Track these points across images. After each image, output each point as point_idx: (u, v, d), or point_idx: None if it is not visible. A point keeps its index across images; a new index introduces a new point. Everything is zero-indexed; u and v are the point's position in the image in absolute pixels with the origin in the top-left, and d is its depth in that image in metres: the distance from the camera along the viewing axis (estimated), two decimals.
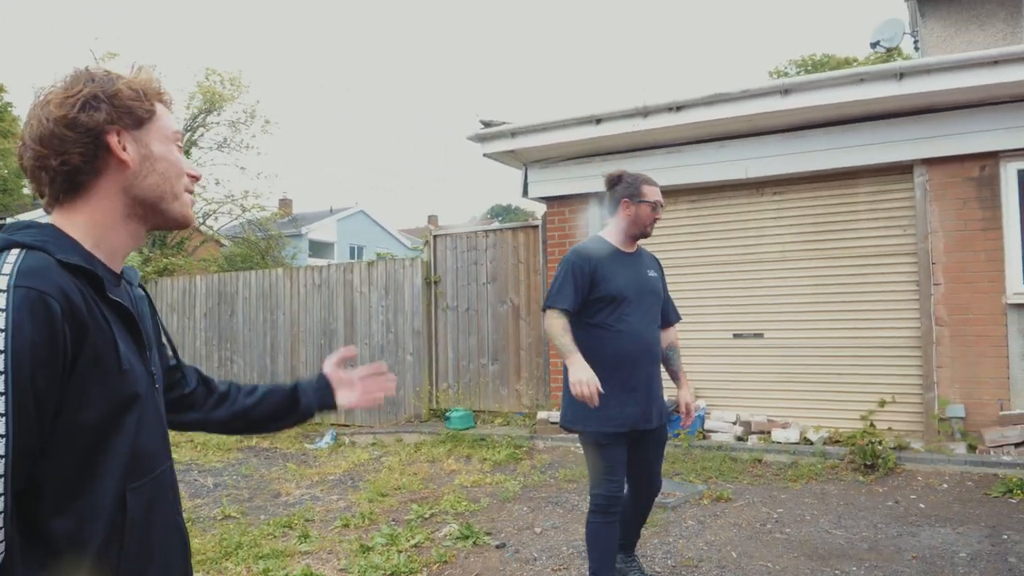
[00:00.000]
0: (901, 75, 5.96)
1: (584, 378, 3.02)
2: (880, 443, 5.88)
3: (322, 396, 1.69)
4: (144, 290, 1.37)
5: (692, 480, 5.69)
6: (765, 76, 27.01)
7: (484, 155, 8.04)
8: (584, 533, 3.52)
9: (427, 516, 5.03)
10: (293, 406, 1.64)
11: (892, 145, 6.40)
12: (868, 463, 5.76)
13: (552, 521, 4.86)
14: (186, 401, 1.52)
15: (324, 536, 4.70)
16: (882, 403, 6.58)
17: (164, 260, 12.31)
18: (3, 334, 0.97)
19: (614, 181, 3.51)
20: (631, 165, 7.54)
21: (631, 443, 3.34)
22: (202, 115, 18.49)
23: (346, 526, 4.89)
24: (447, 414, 8.13)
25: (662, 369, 3.55)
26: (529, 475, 6.09)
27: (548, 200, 8.19)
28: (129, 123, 1.17)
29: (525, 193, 8.26)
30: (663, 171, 7.39)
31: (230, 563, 4.21)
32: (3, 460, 0.96)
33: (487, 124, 7.87)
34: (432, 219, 43.95)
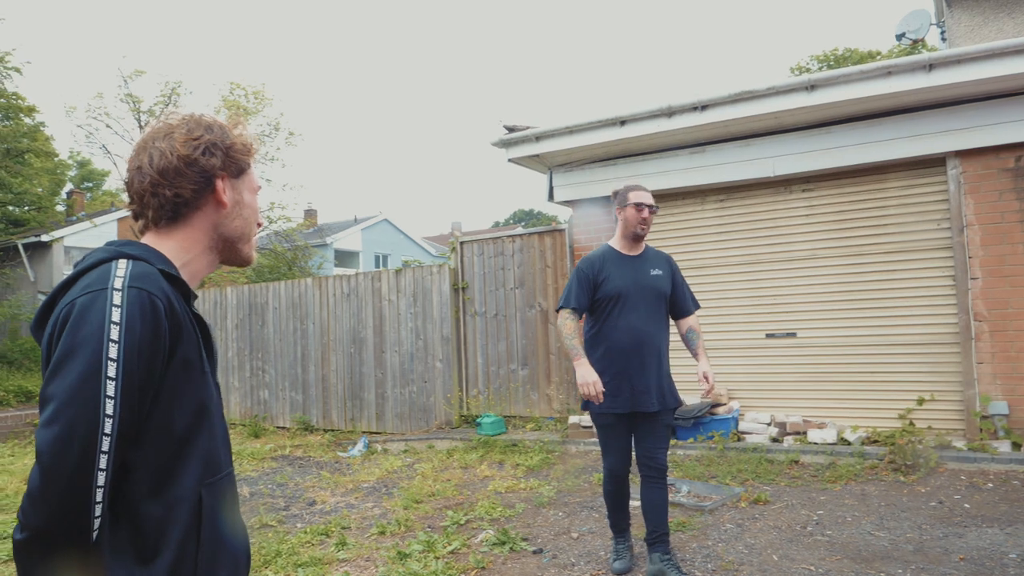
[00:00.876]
0: (930, 66, 5.86)
1: (590, 380, 3.61)
2: (920, 442, 5.77)
3: None
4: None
5: (728, 483, 5.63)
6: (786, 73, 26.75)
7: (509, 160, 8.04)
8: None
9: (463, 522, 5.02)
10: None
11: (923, 138, 6.30)
12: (909, 463, 5.65)
13: (588, 526, 4.83)
14: None
15: (361, 543, 4.71)
16: (921, 401, 6.46)
17: None
18: (119, 327, 1.11)
19: (611, 197, 4.07)
20: (656, 166, 7.54)
21: (635, 424, 3.85)
22: (227, 118, 18.72)
23: (382, 533, 4.90)
24: (478, 420, 8.13)
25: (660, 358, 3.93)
26: (563, 480, 6.06)
27: (574, 203, 8.17)
28: (233, 172, 1.38)
29: (551, 197, 8.24)
30: (689, 171, 7.36)
31: (269, 571, 4.24)
32: (109, 439, 1.08)
33: (511, 129, 7.87)
34: (456, 226, 44.04)
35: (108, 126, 18.24)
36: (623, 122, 7.19)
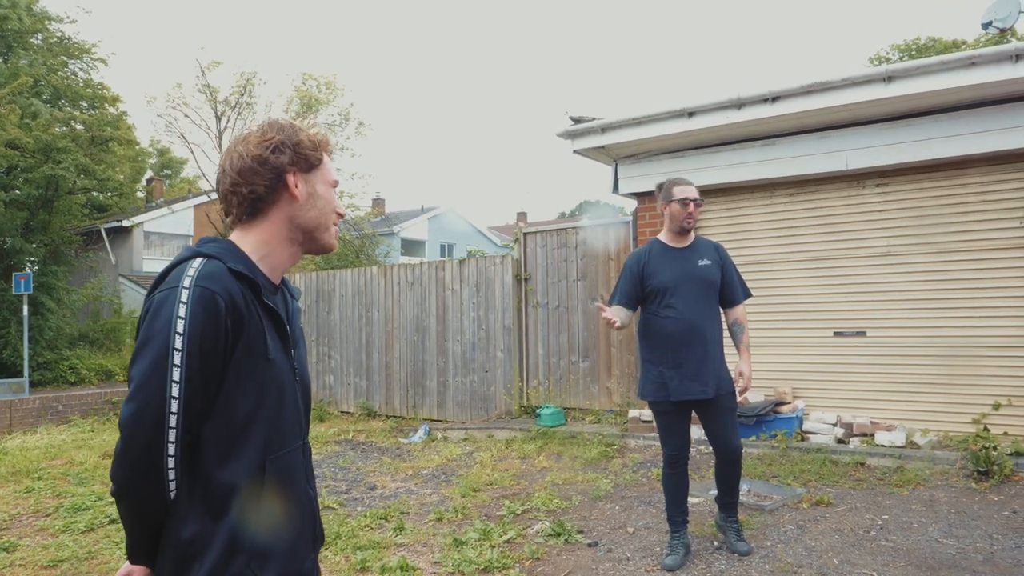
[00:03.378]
0: (1017, 57, 5.58)
1: (608, 317, 3.76)
2: (995, 448, 5.54)
3: None
4: (299, 304, 1.69)
5: (790, 483, 5.53)
6: (864, 63, 25.81)
7: (574, 151, 8.03)
8: None
9: (519, 512, 5.08)
10: None
11: (1007, 132, 6.01)
12: (982, 469, 5.44)
13: (645, 521, 4.82)
14: None
15: (419, 529, 4.82)
16: (997, 406, 6.20)
17: None
18: (184, 321, 1.27)
19: (658, 188, 4.15)
20: (725, 159, 7.41)
21: (699, 412, 3.97)
22: (299, 119, 19.16)
23: (440, 520, 5.00)
24: (537, 411, 8.17)
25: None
26: (621, 474, 6.06)
27: (639, 196, 8.10)
28: (303, 167, 1.49)
29: (615, 189, 8.20)
30: (758, 164, 7.21)
31: (329, 552, 4.38)
32: (176, 416, 1.26)
33: (577, 120, 7.85)
34: (521, 216, 44.13)
35: (186, 115, 18.94)
36: (691, 114, 7.09)
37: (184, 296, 1.29)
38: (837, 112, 6.50)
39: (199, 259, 1.36)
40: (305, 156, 1.49)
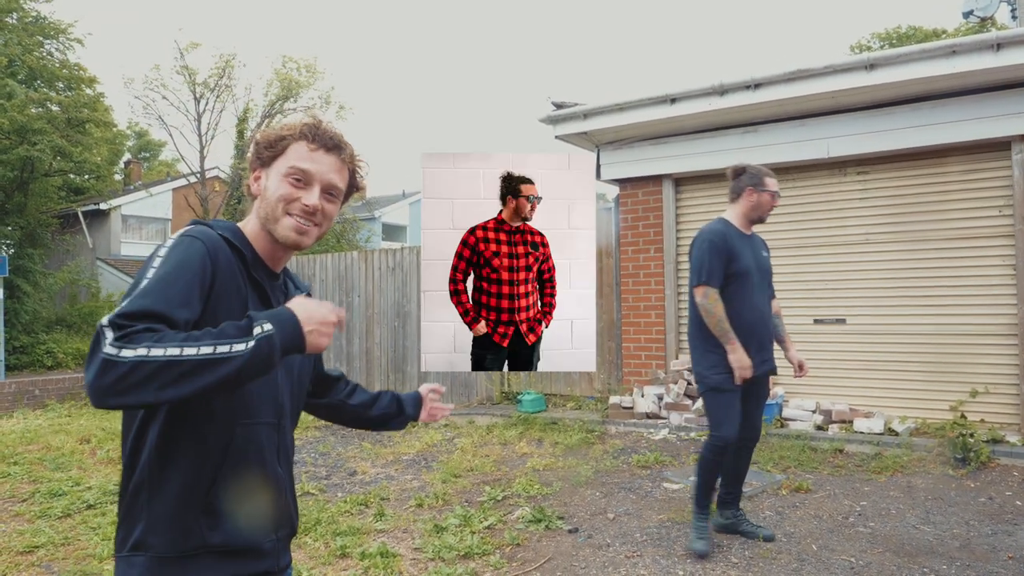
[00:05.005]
0: (998, 46, 5.60)
1: (747, 364, 3.75)
2: (972, 435, 5.60)
3: (417, 410, 2.10)
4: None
5: (769, 469, 5.56)
6: (846, 51, 25.90)
7: (556, 137, 7.98)
8: (697, 459, 4.09)
9: (500, 498, 5.07)
10: (400, 413, 2.03)
11: (987, 121, 6.04)
12: (959, 456, 5.50)
13: (625, 507, 4.83)
14: (327, 384, 1.90)
15: (399, 515, 4.79)
16: (974, 393, 6.27)
17: None
18: (167, 247, 1.34)
19: (738, 172, 4.07)
20: (707, 145, 7.40)
21: (744, 395, 3.95)
22: (279, 102, 18.95)
23: (420, 506, 4.97)
24: (519, 397, 8.17)
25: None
26: (601, 460, 6.06)
27: (621, 182, 8.08)
28: (264, 162, 1.52)
29: (598, 175, 8.16)
30: (740, 151, 7.21)
31: (309, 539, 4.34)
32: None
33: (559, 106, 7.80)
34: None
35: (164, 98, 18.65)
36: (673, 100, 7.06)
37: (169, 242, 1.36)
38: (819, 100, 6.51)
39: (187, 227, 1.43)
40: (260, 153, 1.52)
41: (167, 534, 1.34)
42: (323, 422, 8.36)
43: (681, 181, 7.78)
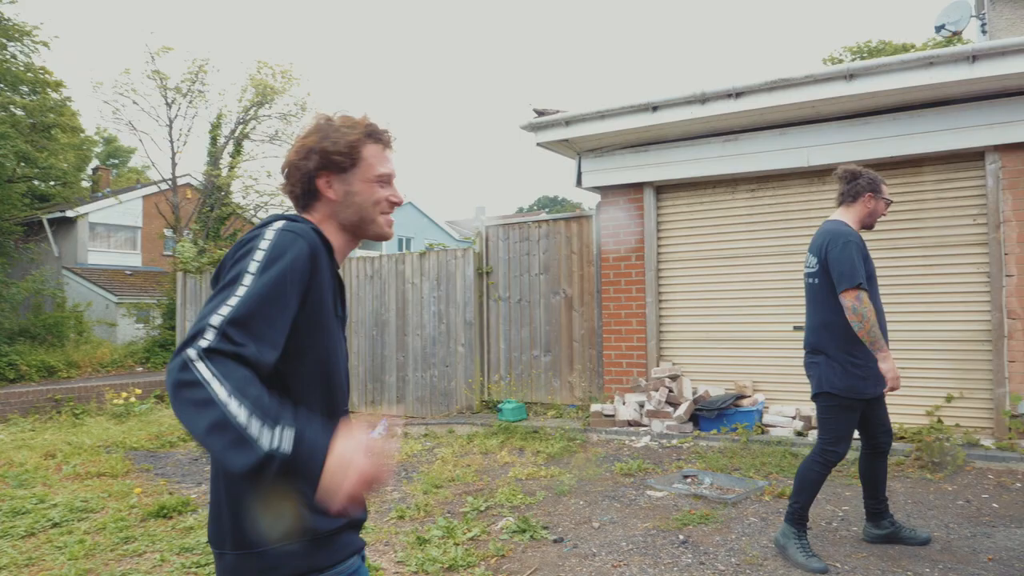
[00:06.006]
0: (974, 58, 5.70)
1: (897, 374, 3.66)
2: (948, 440, 5.68)
3: None
4: None
5: (752, 476, 5.57)
6: (819, 64, 26.33)
7: (537, 144, 7.97)
8: (799, 473, 3.96)
9: (483, 509, 5.01)
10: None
11: (963, 131, 6.15)
12: (936, 460, 5.56)
13: (610, 516, 4.80)
14: None
15: (380, 527, 4.72)
16: (949, 398, 6.35)
17: (219, 252, 12.53)
18: (261, 252, 1.36)
19: (855, 175, 3.95)
20: (688, 153, 7.43)
21: (871, 403, 3.87)
22: (254, 108, 18.76)
23: (401, 517, 4.90)
24: (499, 406, 8.12)
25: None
26: (584, 468, 6.04)
27: (602, 190, 8.09)
28: (335, 170, 1.56)
29: (579, 183, 8.17)
30: (721, 159, 7.26)
31: None
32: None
33: (541, 113, 7.79)
34: (479, 211, 43.93)
35: (135, 103, 18.38)
36: (655, 108, 7.09)
37: (269, 235, 1.40)
38: (799, 109, 6.57)
39: (278, 221, 1.47)
40: (333, 160, 1.55)
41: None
42: None
43: (662, 189, 7.82)
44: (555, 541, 4.36)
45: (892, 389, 3.67)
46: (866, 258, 3.77)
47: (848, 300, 3.64)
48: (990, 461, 5.59)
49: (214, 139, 18.71)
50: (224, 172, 17.92)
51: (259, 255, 1.35)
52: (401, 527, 4.71)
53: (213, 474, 1.47)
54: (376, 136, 1.60)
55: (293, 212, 1.60)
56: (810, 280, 3.96)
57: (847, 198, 3.95)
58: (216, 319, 1.24)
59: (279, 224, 1.44)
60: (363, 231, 1.62)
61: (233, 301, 1.28)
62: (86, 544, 4.50)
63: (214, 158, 18.38)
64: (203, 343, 1.21)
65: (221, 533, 1.44)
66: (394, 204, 1.63)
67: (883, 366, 3.64)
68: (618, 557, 4.07)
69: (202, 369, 1.19)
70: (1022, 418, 5.93)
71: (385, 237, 1.65)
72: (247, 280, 1.31)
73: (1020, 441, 5.79)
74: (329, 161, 1.55)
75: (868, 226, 3.97)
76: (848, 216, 3.94)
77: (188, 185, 20.23)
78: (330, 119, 1.59)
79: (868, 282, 3.73)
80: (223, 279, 1.35)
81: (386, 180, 1.62)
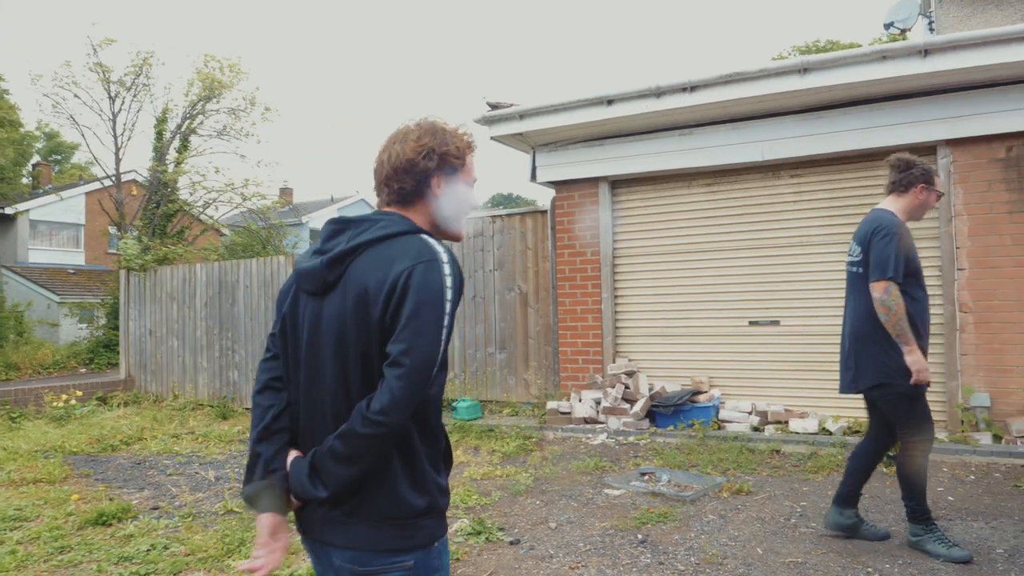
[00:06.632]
0: (926, 52, 5.73)
1: (925, 366, 3.62)
2: None
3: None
4: None
5: (709, 472, 5.51)
6: (768, 61, 26.68)
7: (491, 138, 7.83)
8: (900, 475, 3.90)
9: None
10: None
11: (915, 125, 6.18)
12: (891, 454, 5.55)
13: (567, 515, 4.68)
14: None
15: None
16: None
17: (164, 249, 12.10)
18: (450, 290, 1.56)
19: (909, 164, 3.86)
20: (643, 147, 7.36)
21: None
22: (201, 102, 18.22)
23: None
24: (454, 404, 7.95)
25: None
26: (540, 467, 5.91)
27: (557, 184, 7.98)
28: (448, 171, 1.71)
29: (533, 177, 8.05)
30: (676, 154, 7.20)
31: (232, 561, 4.04)
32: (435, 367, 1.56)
33: (494, 106, 7.65)
34: None
35: (76, 96, 17.69)
36: (610, 101, 7.00)
37: (446, 269, 1.56)
38: (754, 103, 6.55)
39: (423, 235, 1.64)
40: (450, 162, 1.70)
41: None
42: (246, 435, 7.96)
43: (618, 183, 7.74)
44: (511, 543, 4.22)
45: (918, 383, 3.63)
46: (912, 251, 3.73)
47: (877, 291, 3.65)
48: (944, 454, 5.62)
49: (160, 134, 18.11)
50: (171, 168, 17.36)
51: (447, 307, 1.56)
52: None
53: None
54: (474, 145, 1.79)
55: (393, 210, 1.71)
56: (853, 269, 3.91)
57: (898, 187, 3.88)
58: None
59: (439, 250, 1.60)
60: (447, 229, 1.76)
61: (423, 348, 1.53)
62: (18, 555, 4.22)
63: (160, 153, 17.79)
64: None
65: None
66: (475, 207, 1.83)
67: (908, 359, 3.61)
68: (576, 558, 3.95)
69: None
70: (974, 411, 5.98)
71: (460, 238, 1.81)
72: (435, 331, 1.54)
73: (973, 434, 5.84)
74: (446, 162, 1.69)
75: (916, 217, 3.91)
76: (896, 205, 3.87)
77: (133, 181, 19.57)
78: (440, 124, 1.72)
79: (915, 276, 3.72)
80: (414, 311, 1.52)
81: (474, 184, 1.82)
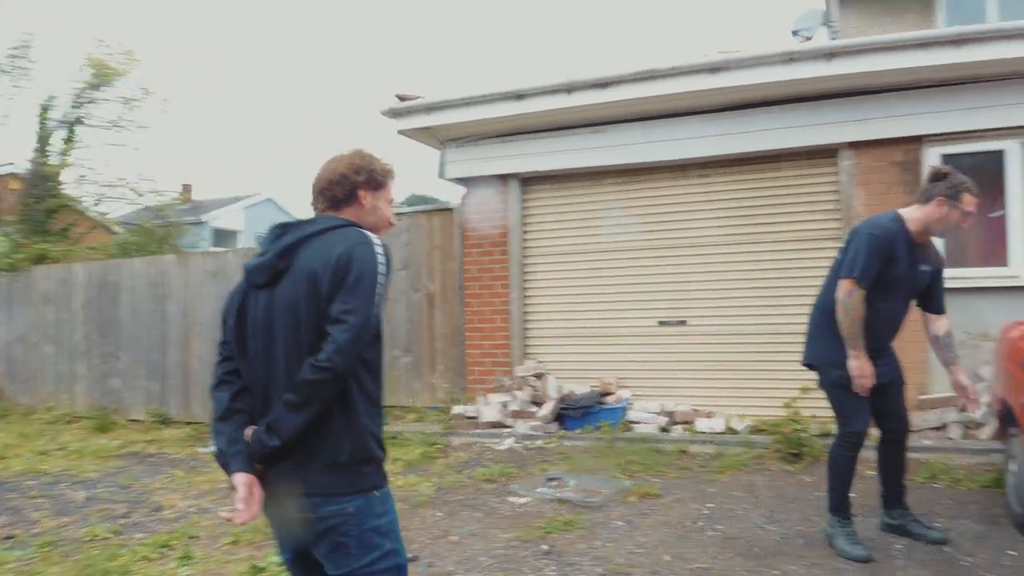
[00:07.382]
0: (831, 55, 5.83)
1: (868, 372, 3.64)
2: (805, 431, 5.72)
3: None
4: None
5: (617, 475, 5.38)
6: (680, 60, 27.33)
7: (399, 132, 7.53)
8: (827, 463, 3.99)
9: None
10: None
11: (820, 128, 6.28)
12: (794, 452, 5.60)
13: (469, 527, 4.43)
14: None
15: (210, 556, 4.12)
16: (804, 390, 6.38)
17: (41, 247, 11.17)
18: (383, 264, 1.90)
19: (939, 176, 3.74)
20: (554, 144, 7.21)
21: (877, 394, 3.76)
22: (91, 89, 17.03)
23: (236, 543, 4.30)
24: None
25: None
26: (444, 475, 5.66)
27: (466, 181, 7.74)
28: (373, 187, 2.10)
29: (442, 174, 7.79)
30: (588, 151, 7.10)
31: None
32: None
33: (403, 98, 7.35)
34: None
35: None
36: (521, 96, 6.83)
37: (379, 249, 1.89)
38: (665, 101, 6.53)
39: (357, 227, 1.99)
40: (375, 180, 2.09)
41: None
42: (127, 449, 7.39)
43: (528, 181, 7.56)
44: (409, 560, 3.94)
45: (856, 389, 3.67)
46: (893, 261, 3.64)
47: (841, 291, 3.66)
48: None
49: (43, 123, 16.84)
50: (55, 159, 16.16)
51: (380, 279, 1.89)
52: (234, 554, 4.14)
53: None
54: (395, 173, 2.16)
55: (330, 215, 2.05)
56: (837, 256, 3.93)
57: (921, 197, 3.79)
58: None
59: (368, 235, 1.96)
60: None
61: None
62: None
63: (43, 144, 16.53)
64: None
65: None
66: (392, 224, 2.20)
67: (850, 363, 3.65)
68: (477, 574, 3.71)
69: None
70: None
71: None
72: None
73: (873, 430, 5.93)
74: (372, 179, 2.08)
75: (935, 232, 3.78)
76: (914, 214, 3.75)
77: (11, 175, 18.13)
78: (368, 152, 2.10)
79: (888, 288, 3.69)
80: (353, 284, 1.86)
81: (391, 201, 2.17)
